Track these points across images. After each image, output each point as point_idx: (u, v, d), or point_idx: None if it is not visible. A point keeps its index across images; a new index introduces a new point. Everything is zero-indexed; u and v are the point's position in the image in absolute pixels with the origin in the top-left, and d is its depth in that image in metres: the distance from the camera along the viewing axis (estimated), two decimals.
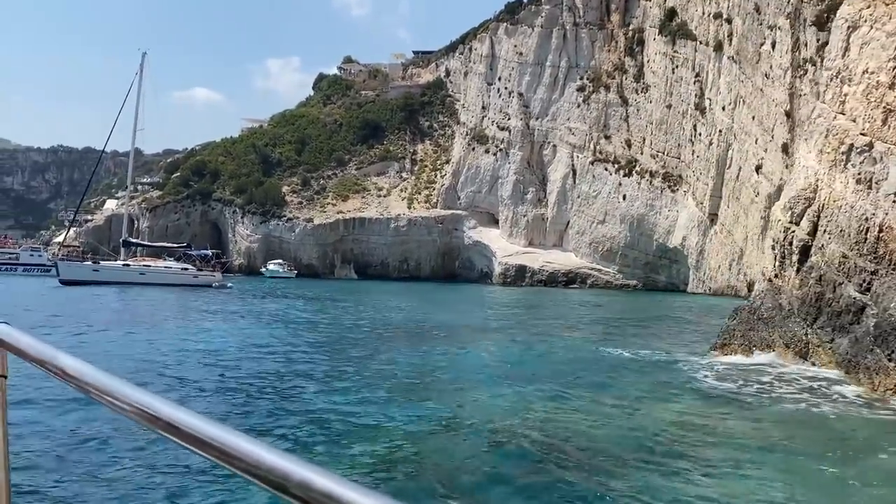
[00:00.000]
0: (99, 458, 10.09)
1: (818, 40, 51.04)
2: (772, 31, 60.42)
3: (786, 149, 54.82)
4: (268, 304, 41.81)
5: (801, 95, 53.11)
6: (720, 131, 75.59)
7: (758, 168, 60.28)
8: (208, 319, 30.45)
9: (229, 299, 44.38)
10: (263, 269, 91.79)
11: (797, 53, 54.17)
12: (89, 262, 55.67)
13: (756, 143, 62.58)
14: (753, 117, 63.81)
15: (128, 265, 54.45)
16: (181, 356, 19.80)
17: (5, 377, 1.86)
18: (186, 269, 57.28)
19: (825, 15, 47.25)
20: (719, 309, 50.81)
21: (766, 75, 60.28)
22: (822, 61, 51.28)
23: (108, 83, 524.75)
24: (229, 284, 57.75)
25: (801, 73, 53.17)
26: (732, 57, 72.43)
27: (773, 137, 57.54)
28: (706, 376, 18.34)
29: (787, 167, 54.92)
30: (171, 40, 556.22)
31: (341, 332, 27.87)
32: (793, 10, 55.23)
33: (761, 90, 61.59)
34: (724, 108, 75.14)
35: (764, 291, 21.36)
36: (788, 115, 54.54)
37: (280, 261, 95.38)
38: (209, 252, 67.25)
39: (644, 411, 14.02)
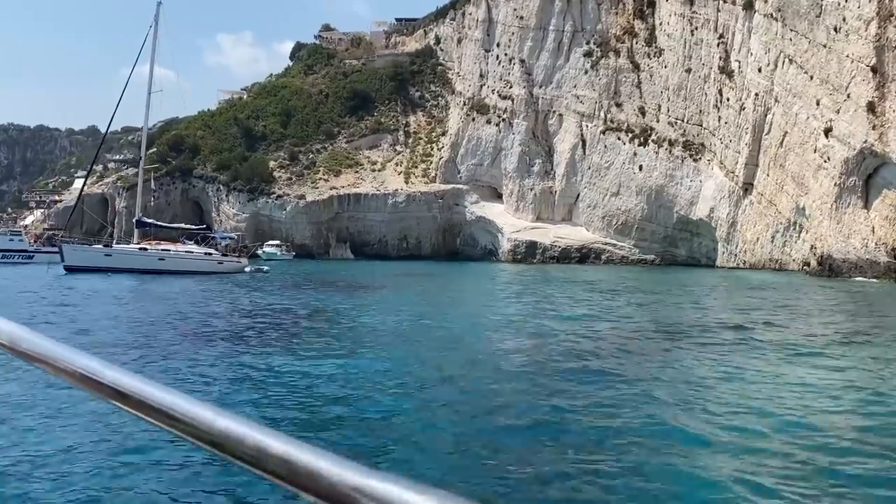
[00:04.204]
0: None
1: None
2: None
3: (872, 108, 50.10)
4: (355, 301, 31.80)
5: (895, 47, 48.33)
6: (756, 95, 71.02)
7: (827, 131, 55.61)
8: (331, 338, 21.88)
9: (283, 293, 36.44)
10: (259, 251, 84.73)
11: (885, 1, 49.32)
12: (100, 246, 48.32)
13: (817, 104, 57.79)
14: (812, 77, 59.00)
15: (145, 249, 47.35)
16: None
17: None
18: (210, 253, 50.30)
19: None
20: (829, 290, 43.98)
21: (834, 29, 55.43)
22: None
23: (57, 60, 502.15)
24: (265, 269, 50.73)
25: None
26: (771, 14, 67.72)
27: (849, 96, 52.77)
28: None
29: (874, 128, 50.25)
30: (119, 18, 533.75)
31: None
32: None
33: (825, 46, 56.75)
34: (759, 70, 70.57)
35: None
36: (875, 70, 49.76)
37: (277, 242, 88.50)
38: (234, 235, 60.43)
39: None
